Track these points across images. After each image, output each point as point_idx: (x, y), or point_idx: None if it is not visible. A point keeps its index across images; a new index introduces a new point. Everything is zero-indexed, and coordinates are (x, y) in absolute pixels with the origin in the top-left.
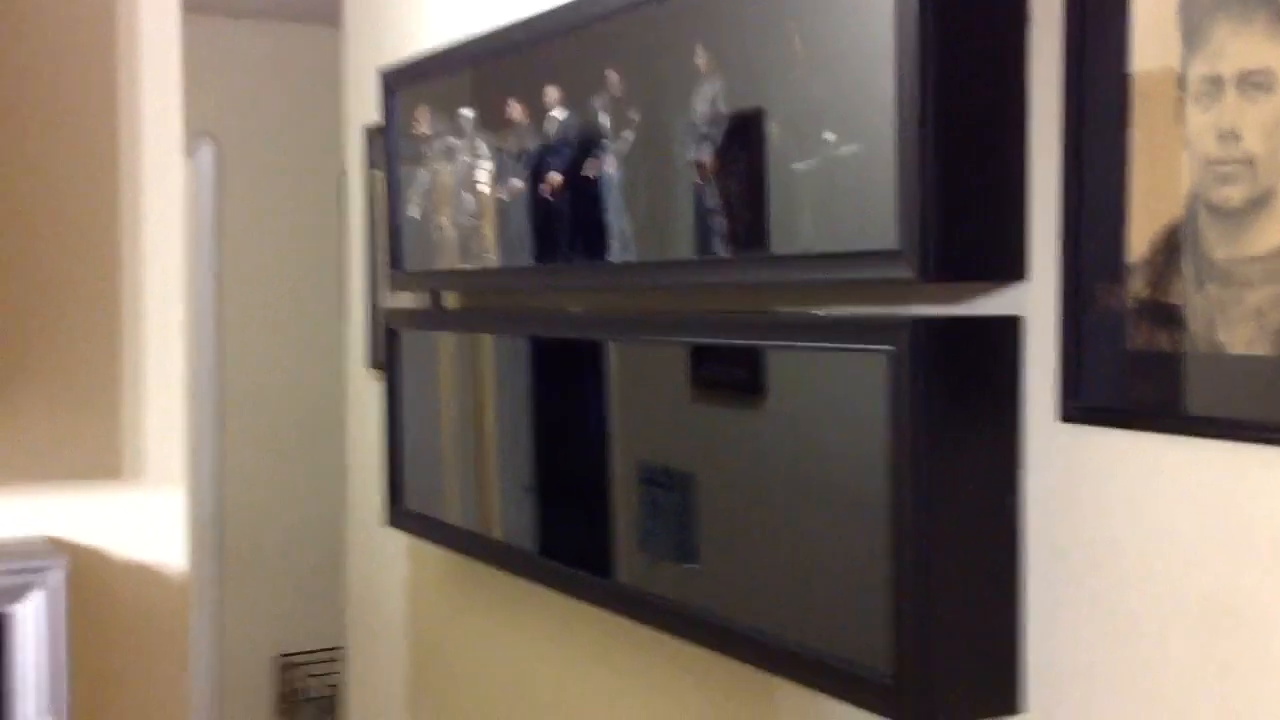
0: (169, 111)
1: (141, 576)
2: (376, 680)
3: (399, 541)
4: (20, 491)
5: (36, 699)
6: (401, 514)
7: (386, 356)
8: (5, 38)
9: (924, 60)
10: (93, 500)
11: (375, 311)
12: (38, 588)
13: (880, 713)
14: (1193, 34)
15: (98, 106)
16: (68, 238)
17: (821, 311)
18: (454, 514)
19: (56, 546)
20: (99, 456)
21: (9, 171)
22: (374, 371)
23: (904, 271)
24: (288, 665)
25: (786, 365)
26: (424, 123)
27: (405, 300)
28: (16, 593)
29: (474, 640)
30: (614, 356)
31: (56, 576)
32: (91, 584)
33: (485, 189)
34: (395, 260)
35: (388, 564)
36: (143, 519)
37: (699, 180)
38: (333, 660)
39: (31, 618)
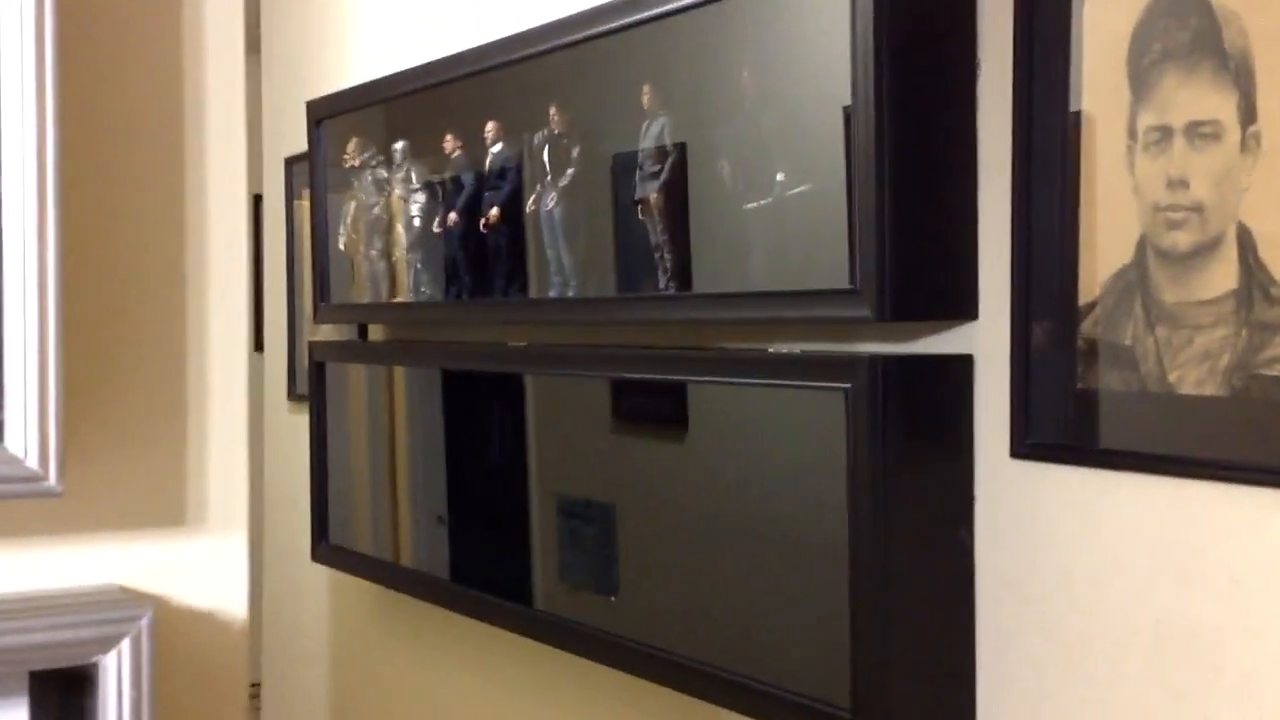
0: (233, 157)
1: (204, 625)
2: (295, 715)
3: (319, 575)
4: (84, 539)
5: None
6: (327, 548)
7: (313, 390)
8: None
9: (880, 101)
10: (156, 547)
11: (296, 343)
12: (126, 637)
13: None
14: (1141, 83)
15: (164, 157)
16: (133, 282)
17: (773, 349)
18: (382, 548)
19: (134, 595)
20: (162, 502)
21: (77, 225)
22: (294, 404)
23: (861, 311)
24: None
25: (741, 401)
26: (353, 154)
27: (328, 332)
28: (107, 643)
29: (399, 674)
30: (553, 391)
31: (142, 625)
32: (159, 633)
33: (418, 222)
34: (322, 292)
35: (308, 599)
36: (205, 566)
37: (643, 217)
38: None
39: (114, 667)
